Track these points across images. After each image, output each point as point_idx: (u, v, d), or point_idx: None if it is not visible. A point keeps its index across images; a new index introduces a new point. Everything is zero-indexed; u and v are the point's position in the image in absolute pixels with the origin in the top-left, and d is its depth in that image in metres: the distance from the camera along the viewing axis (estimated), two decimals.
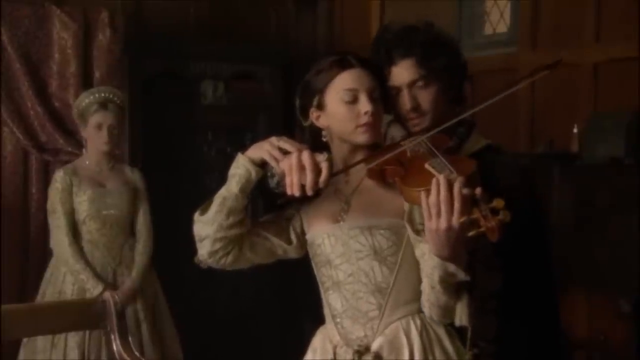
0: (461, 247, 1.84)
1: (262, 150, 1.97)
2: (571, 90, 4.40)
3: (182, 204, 4.91)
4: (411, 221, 1.99)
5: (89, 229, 3.81)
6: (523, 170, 2.32)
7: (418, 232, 1.97)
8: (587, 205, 3.93)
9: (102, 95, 3.84)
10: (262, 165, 1.99)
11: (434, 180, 1.80)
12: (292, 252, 2.16)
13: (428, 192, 1.81)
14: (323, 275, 2.12)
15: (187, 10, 5.07)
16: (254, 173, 1.99)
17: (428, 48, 2.19)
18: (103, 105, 3.81)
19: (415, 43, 2.19)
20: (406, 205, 2.00)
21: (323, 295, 2.14)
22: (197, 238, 2.09)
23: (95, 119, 3.80)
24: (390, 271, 2.02)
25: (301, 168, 1.88)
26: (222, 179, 5.56)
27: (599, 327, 4.03)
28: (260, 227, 2.11)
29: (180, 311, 4.15)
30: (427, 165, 1.91)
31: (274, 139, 1.98)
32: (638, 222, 3.67)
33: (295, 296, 4.88)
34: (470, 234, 1.75)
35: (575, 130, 4.21)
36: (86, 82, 4.52)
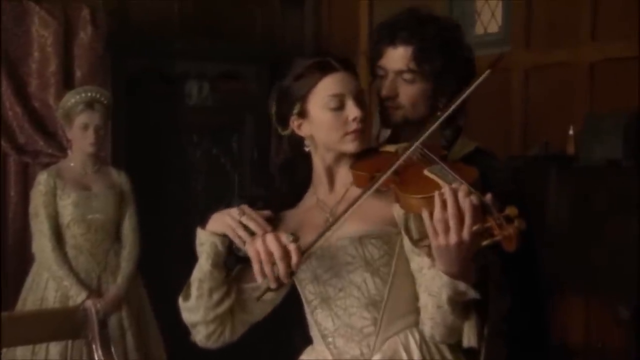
0: (470, 262, 1.72)
1: (223, 224, 1.86)
2: (567, 91, 4.34)
3: (166, 207, 4.99)
4: (408, 231, 1.87)
5: (73, 234, 3.74)
6: (518, 176, 2.24)
7: (416, 244, 1.85)
8: (584, 209, 3.85)
9: (89, 94, 3.77)
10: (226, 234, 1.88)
11: (436, 195, 1.68)
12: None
13: (431, 199, 1.70)
14: (310, 292, 1.97)
15: (171, 7, 5.01)
16: (219, 244, 1.87)
17: (430, 46, 2.09)
18: (89, 105, 3.75)
19: (423, 34, 2.09)
20: (398, 214, 1.88)
21: (310, 315, 2.00)
22: (188, 325, 1.98)
23: (81, 119, 3.73)
24: (383, 283, 1.88)
25: (269, 255, 1.77)
26: (207, 181, 5.48)
27: (597, 334, 3.99)
28: (242, 281, 1.96)
29: (166, 317, 4.05)
30: (426, 172, 1.80)
31: (234, 212, 1.86)
32: (637, 225, 3.58)
33: (283, 299, 4.80)
34: (485, 243, 1.64)
35: (571, 132, 4.15)
36: (67, 81, 4.45)
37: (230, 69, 5.11)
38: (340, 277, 1.90)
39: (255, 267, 1.78)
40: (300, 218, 1.97)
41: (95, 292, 3.69)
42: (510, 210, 1.62)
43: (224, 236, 1.87)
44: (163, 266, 4.42)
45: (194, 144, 5.06)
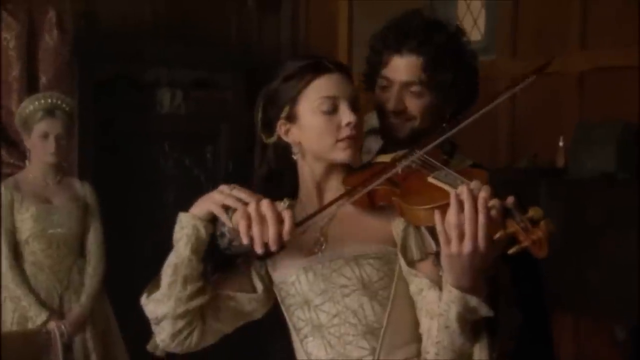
0: (481, 275, 1.56)
1: (208, 202, 1.69)
2: (555, 101, 4.27)
3: (135, 221, 4.83)
4: (405, 252, 1.72)
5: (33, 250, 3.57)
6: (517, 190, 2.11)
7: (412, 264, 1.71)
8: (576, 224, 3.72)
9: (49, 101, 3.61)
10: (211, 220, 1.70)
11: (452, 195, 1.52)
12: (261, 304, 1.84)
13: (441, 208, 1.54)
14: (299, 319, 1.80)
15: (142, 11, 4.91)
16: (203, 229, 1.70)
17: (442, 56, 1.98)
18: (49, 112, 3.59)
19: (433, 43, 1.98)
20: (396, 232, 1.74)
21: (299, 344, 1.83)
22: (152, 321, 1.79)
23: (40, 127, 3.58)
24: (382, 308, 1.73)
25: (261, 220, 1.60)
26: (179, 193, 5.36)
27: (589, 355, 3.90)
28: (218, 287, 1.80)
29: (134, 338, 3.91)
30: (431, 179, 1.65)
31: (224, 187, 1.69)
32: (634, 242, 3.45)
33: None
34: (511, 251, 1.46)
35: (561, 143, 4.07)
36: (31, 87, 4.31)
37: (204, 76, 5.01)
38: (335, 302, 1.75)
39: (242, 226, 1.60)
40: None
41: (56, 312, 3.53)
42: (534, 212, 1.47)
43: (210, 222, 1.70)
44: (131, 284, 4.25)
45: (165, 155, 4.95)
